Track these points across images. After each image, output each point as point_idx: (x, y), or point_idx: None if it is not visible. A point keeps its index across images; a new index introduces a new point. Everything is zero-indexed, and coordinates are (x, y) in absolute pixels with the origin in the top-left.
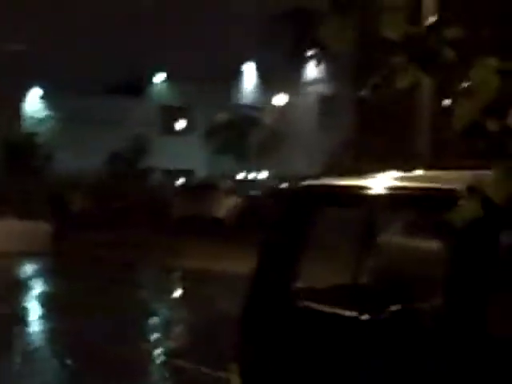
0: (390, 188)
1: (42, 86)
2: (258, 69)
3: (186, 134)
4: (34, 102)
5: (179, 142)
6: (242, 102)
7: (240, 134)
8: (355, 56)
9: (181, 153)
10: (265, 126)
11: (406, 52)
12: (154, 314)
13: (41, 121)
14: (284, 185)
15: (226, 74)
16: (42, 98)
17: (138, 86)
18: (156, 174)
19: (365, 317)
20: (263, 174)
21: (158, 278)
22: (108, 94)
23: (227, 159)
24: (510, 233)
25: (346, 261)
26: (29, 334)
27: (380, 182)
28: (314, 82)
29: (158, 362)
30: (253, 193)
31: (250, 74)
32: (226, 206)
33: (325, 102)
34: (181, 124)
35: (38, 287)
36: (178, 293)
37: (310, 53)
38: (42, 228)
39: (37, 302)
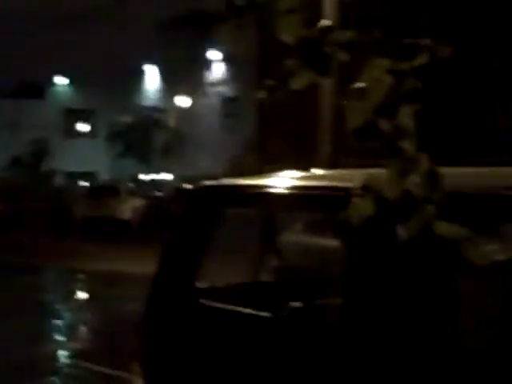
0: (289, 187)
1: None
2: (161, 71)
3: (90, 137)
4: None
5: (83, 144)
6: (145, 104)
7: (143, 135)
8: (257, 57)
9: (84, 156)
10: (168, 127)
11: (300, 54)
12: (58, 316)
13: None
14: (187, 185)
15: (129, 76)
16: None
17: (40, 89)
18: (59, 177)
19: (265, 314)
20: (168, 176)
21: (62, 282)
22: (9, 97)
23: (131, 161)
24: (403, 230)
25: (248, 260)
26: None
27: (279, 182)
28: (217, 83)
29: (62, 363)
30: (157, 194)
31: (152, 75)
32: (130, 207)
33: (228, 103)
34: (84, 127)
35: None
36: (83, 295)
37: (211, 55)
38: None
39: None
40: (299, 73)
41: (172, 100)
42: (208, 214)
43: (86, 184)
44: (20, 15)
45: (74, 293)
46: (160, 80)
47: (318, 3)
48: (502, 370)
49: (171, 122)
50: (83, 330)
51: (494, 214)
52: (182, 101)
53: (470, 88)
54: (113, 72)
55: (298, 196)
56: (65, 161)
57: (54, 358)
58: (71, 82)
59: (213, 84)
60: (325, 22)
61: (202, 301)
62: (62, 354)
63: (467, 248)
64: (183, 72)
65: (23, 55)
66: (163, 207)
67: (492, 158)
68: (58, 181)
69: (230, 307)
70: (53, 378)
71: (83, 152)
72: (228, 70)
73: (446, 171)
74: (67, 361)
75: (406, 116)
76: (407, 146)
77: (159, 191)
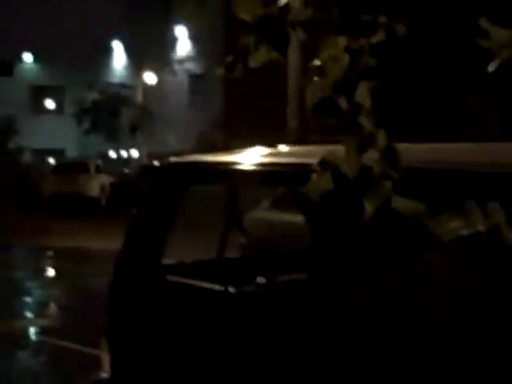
0: (254, 164)
1: None
2: (128, 47)
3: (57, 114)
4: None
5: (50, 121)
6: (112, 81)
7: (111, 112)
8: (221, 33)
9: (51, 133)
10: (136, 104)
11: (258, 32)
12: (26, 293)
13: None
14: (155, 162)
15: (97, 52)
16: None
17: (8, 66)
18: (26, 154)
19: (231, 289)
20: (136, 153)
21: (30, 258)
22: None
23: (99, 138)
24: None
25: (214, 236)
26: None
27: (245, 158)
28: (184, 60)
29: (31, 339)
30: (125, 171)
31: (119, 52)
32: (98, 184)
33: (195, 80)
34: (51, 104)
35: None
36: (52, 272)
37: (178, 31)
38: None
39: None
40: (257, 50)
41: (139, 77)
42: (174, 190)
43: (54, 161)
44: None
45: (42, 269)
46: (127, 57)
47: None
48: (470, 345)
49: (139, 98)
50: (52, 306)
51: (458, 190)
52: (150, 78)
53: (437, 66)
54: (80, 49)
55: (263, 172)
56: (32, 138)
57: (24, 334)
58: (38, 58)
59: (180, 61)
60: (283, 0)
61: (168, 277)
62: (32, 330)
63: (431, 224)
64: (150, 49)
65: None
66: (131, 184)
67: (458, 133)
68: (26, 158)
69: (196, 283)
70: (22, 355)
71: (51, 129)
72: (194, 46)
73: (405, 147)
74: (36, 337)
75: (363, 93)
76: (365, 122)
77: (127, 168)
